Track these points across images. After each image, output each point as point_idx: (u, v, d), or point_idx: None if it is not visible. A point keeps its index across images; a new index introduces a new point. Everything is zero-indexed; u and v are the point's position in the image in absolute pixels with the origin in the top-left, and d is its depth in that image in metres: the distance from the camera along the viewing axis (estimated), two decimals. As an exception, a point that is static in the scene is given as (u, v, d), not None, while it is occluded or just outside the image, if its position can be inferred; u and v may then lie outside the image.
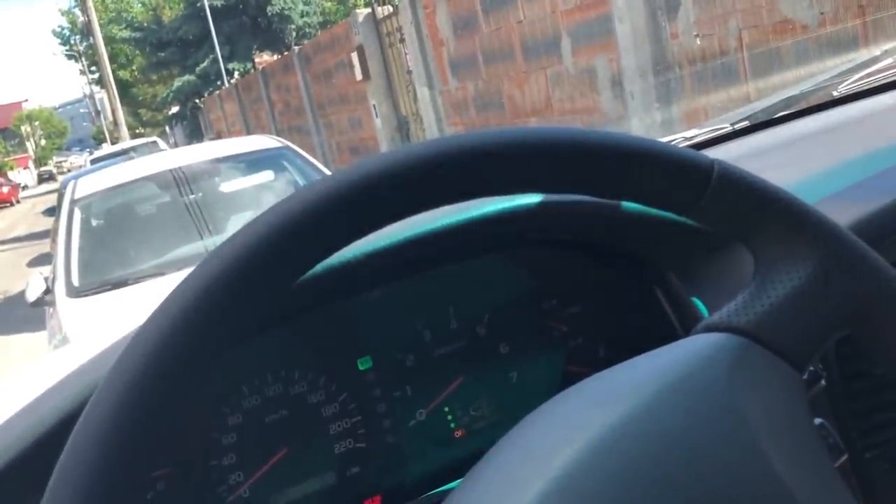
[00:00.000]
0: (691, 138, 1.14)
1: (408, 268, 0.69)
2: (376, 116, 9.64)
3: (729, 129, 1.16)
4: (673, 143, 1.11)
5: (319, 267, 0.62)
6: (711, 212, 0.43)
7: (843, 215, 0.70)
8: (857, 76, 1.24)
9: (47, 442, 0.55)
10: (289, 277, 0.37)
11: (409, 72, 8.50)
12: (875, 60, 1.38)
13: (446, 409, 0.72)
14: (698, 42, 4.39)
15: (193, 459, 0.65)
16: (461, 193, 0.40)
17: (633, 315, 0.75)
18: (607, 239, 0.71)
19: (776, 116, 1.20)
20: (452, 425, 0.72)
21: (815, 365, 0.45)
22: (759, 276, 0.43)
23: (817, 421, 0.44)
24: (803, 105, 1.25)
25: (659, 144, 0.42)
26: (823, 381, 0.47)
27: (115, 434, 0.33)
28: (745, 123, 1.18)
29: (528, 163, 0.40)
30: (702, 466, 0.36)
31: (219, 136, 18.13)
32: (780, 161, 1.03)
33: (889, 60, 1.28)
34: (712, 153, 1.07)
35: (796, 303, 0.42)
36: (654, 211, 0.67)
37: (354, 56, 9.38)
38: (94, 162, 12.35)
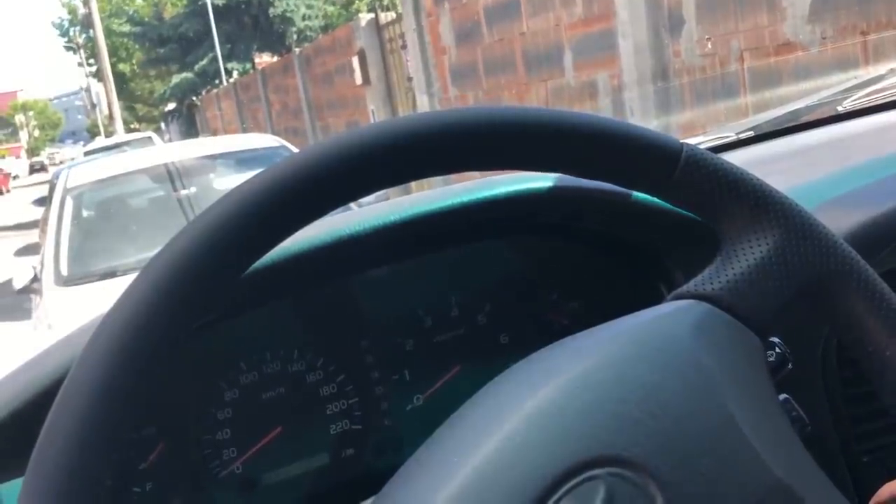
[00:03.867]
0: (696, 145, 1.14)
1: (413, 247, 0.69)
2: (374, 121, 9.64)
3: (733, 138, 1.16)
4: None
5: (325, 240, 0.62)
6: (681, 191, 0.46)
7: (846, 218, 0.70)
8: (862, 93, 1.25)
9: (25, 415, 0.55)
10: (245, 262, 0.40)
11: (410, 78, 8.52)
12: (880, 78, 1.39)
13: (444, 395, 0.71)
14: (700, 60, 4.42)
15: (187, 433, 0.64)
16: (435, 169, 0.43)
17: (637, 311, 0.75)
18: (616, 229, 0.71)
19: (780, 128, 1.20)
20: (449, 412, 0.71)
21: (783, 348, 0.50)
22: (725, 251, 0.47)
23: (782, 396, 0.46)
24: (807, 118, 1.26)
25: (631, 126, 0.46)
26: (790, 365, 0.50)
27: (93, 409, 0.35)
28: (750, 134, 1.18)
29: (501, 141, 0.43)
30: (661, 408, 0.39)
31: (214, 135, 18.11)
32: (783, 169, 1.03)
33: (894, 79, 1.28)
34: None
35: (758, 274, 0.45)
36: (664, 203, 0.67)
37: (355, 60, 9.40)
38: (87, 154, 12.31)
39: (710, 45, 4.21)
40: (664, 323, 0.43)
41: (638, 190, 0.48)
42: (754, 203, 0.46)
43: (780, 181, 0.91)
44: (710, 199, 0.46)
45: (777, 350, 0.49)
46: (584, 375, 0.40)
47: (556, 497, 0.36)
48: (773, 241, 0.46)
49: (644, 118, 4.89)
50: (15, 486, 0.54)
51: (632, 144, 0.45)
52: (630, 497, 0.36)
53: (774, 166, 1.03)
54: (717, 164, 0.46)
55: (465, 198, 0.65)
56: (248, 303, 0.64)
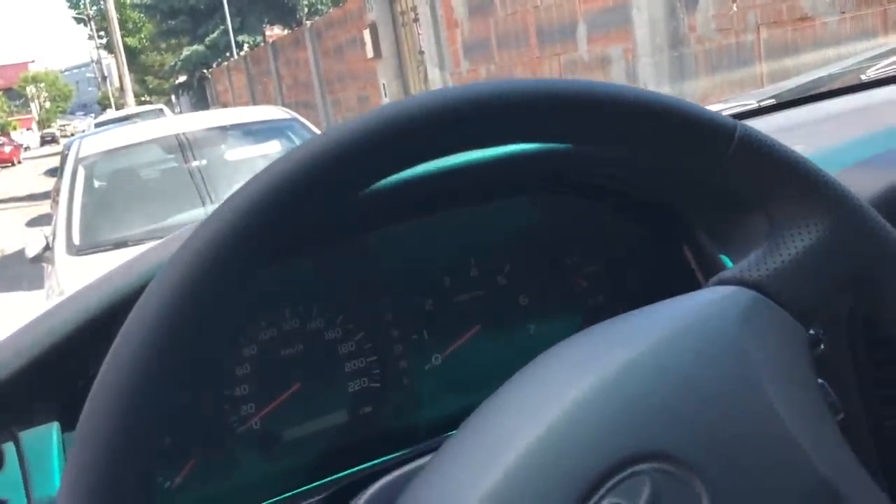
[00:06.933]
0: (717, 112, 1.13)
1: (433, 202, 0.68)
2: (385, 95, 9.61)
3: (755, 105, 1.15)
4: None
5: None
6: (732, 172, 0.45)
7: (868, 183, 0.69)
8: (886, 61, 1.23)
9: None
10: (344, 194, 0.39)
11: (422, 52, 8.47)
12: (905, 47, 1.37)
13: (462, 355, 0.71)
14: (716, 35, 4.37)
15: (206, 388, 0.64)
16: (486, 140, 0.42)
17: (658, 274, 0.74)
18: (641, 187, 0.70)
19: (802, 96, 1.18)
20: (467, 372, 0.71)
21: (816, 329, 0.48)
22: (773, 236, 0.46)
23: (818, 382, 0.45)
24: (830, 87, 1.24)
25: (687, 103, 0.44)
26: (822, 346, 0.50)
27: (164, 329, 0.35)
28: (772, 101, 1.16)
29: (556, 113, 0.41)
30: (706, 401, 0.38)
31: (225, 108, 18.08)
32: (806, 136, 1.02)
33: (920, 47, 1.26)
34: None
35: (806, 262, 0.44)
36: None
37: (367, 33, 9.34)
38: (98, 126, 12.32)
39: (735, 8, 4.14)
40: (709, 311, 0.42)
41: (689, 168, 0.46)
42: (806, 187, 0.45)
43: (801, 148, 0.90)
44: (762, 182, 0.45)
45: (810, 332, 0.47)
46: (628, 365, 0.39)
47: (601, 493, 0.35)
48: (823, 228, 0.44)
49: (658, 91, 4.84)
50: (36, 433, 0.54)
51: (685, 122, 0.43)
52: (676, 494, 0.36)
53: (796, 133, 1.02)
54: (771, 145, 0.45)
55: (487, 154, 0.64)
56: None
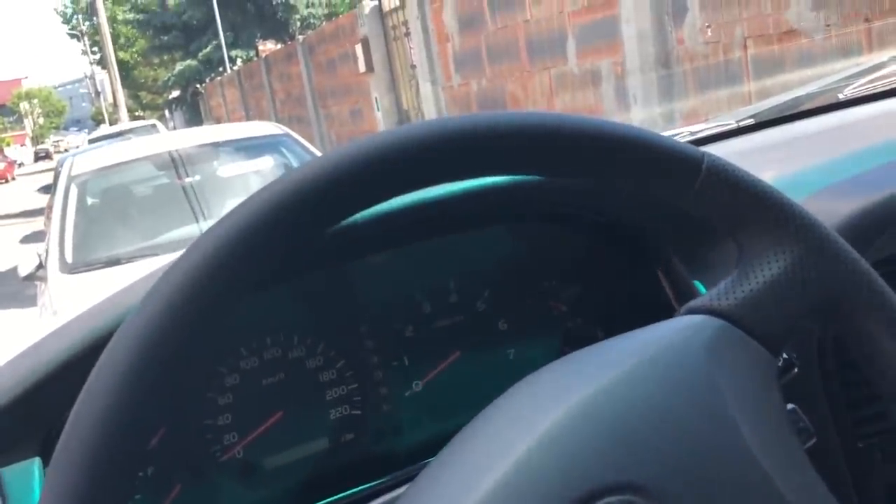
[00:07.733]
0: (696, 132, 1.15)
1: (413, 232, 0.69)
2: (377, 109, 9.64)
3: (734, 125, 1.16)
4: (675, 136, 1.12)
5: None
6: (700, 204, 0.46)
7: (841, 206, 0.71)
8: (862, 80, 1.24)
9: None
10: (319, 228, 0.39)
11: (413, 66, 8.50)
12: (882, 66, 1.39)
13: (442, 381, 0.72)
14: (703, 48, 4.40)
15: (188, 418, 0.65)
16: (462, 173, 0.43)
17: (634, 298, 0.76)
18: (615, 217, 0.71)
19: (780, 116, 1.20)
20: (448, 398, 0.72)
21: (789, 353, 0.49)
22: (743, 264, 0.46)
23: (789, 406, 0.46)
24: (808, 106, 1.25)
25: (653, 135, 0.45)
26: (797, 369, 0.50)
27: (136, 373, 0.35)
28: (750, 121, 1.18)
29: (524, 146, 0.42)
30: (674, 431, 0.39)
31: (218, 123, 18.09)
32: (782, 156, 1.04)
33: (895, 66, 1.28)
34: (716, 148, 1.08)
35: (775, 291, 0.45)
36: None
37: (358, 48, 9.37)
38: (91, 142, 12.31)
39: (710, 32, 4.19)
40: (678, 340, 0.43)
41: (657, 199, 0.47)
42: (774, 217, 0.45)
43: (778, 169, 0.92)
44: (730, 212, 0.46)
45: (784, 356, 0.48)
46: (596, 396, 0.40)
47: None
48: (791, 258, 0.45)
49: (647, 104, 4.87)
50: (17, 469, 0.55)
51: (651, 154, 0.44)
52: None
53: (773, 154, 1.04)
54: (739, 175, 0.45)
55: (466, 185, 0.66)
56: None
